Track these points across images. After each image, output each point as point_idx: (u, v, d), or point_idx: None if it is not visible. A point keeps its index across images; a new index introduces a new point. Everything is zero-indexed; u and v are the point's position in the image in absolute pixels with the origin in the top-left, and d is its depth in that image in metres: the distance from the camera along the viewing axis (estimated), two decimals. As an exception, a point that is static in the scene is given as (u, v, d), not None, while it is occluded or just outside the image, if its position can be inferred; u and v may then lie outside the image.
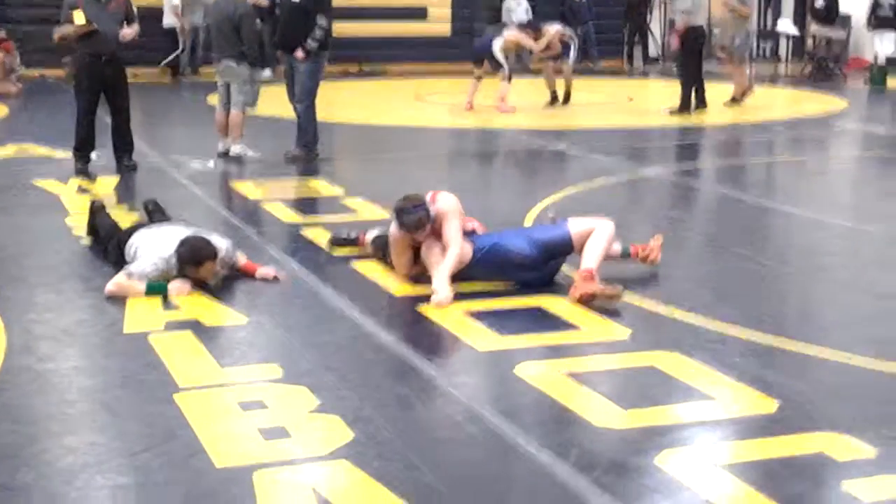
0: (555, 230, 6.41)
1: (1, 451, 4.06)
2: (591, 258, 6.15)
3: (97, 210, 7.31)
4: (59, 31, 10.35)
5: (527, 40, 15.36)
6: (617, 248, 6.59)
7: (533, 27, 15.82)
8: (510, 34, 15.32)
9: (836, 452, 4.07)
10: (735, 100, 15.93)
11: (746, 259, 7.17)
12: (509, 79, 15.10)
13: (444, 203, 6.30)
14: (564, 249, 6.33)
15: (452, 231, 6.22)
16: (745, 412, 4.50)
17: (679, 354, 5.13)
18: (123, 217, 7.77)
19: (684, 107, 15.05)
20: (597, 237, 6.24)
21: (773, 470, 3.96)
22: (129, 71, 10.78)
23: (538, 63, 16.07)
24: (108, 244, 6.80)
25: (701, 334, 5.49)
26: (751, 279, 6.73)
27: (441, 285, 5.99)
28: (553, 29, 15.59)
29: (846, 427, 4.29)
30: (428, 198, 6.31)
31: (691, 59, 15.11)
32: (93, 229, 7.16)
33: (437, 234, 6.27)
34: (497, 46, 14.89)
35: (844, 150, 13.30)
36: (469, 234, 6.41)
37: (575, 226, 6.34)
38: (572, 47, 15.70)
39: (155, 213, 7.30)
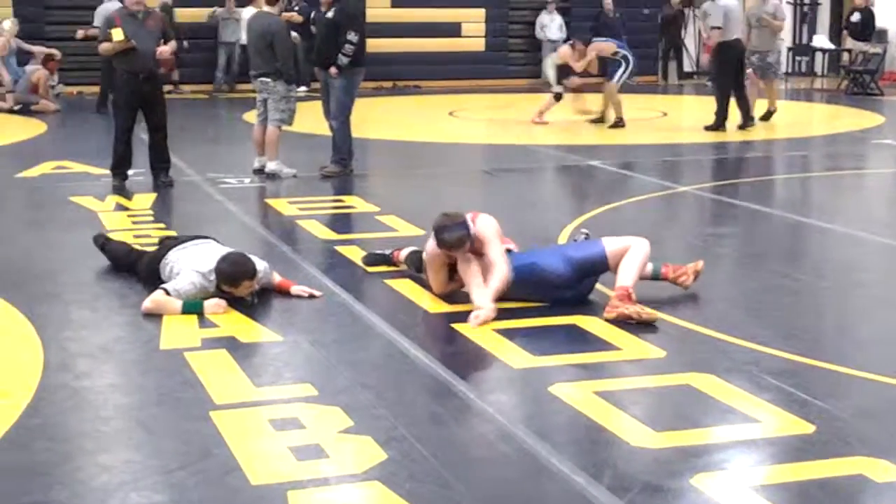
0: (590, 248, 6.39)
1: (35, 469, 4.09)
2: (627, 276, 6.13)
3: (103, 243, 7.30)
4: (101, 49, 10.50)
5: (571, 59, 15.32)
6: (648, 268, 6.54)
7: (585, 43, 15.62)
8: (560, 51, 15.34)
9: (873, 475, 4.03)
10: (771, 112, 15.77)
11: (782, 276, 7.12)
12: (557, 98, 15.20)
13: (485, 225, 6.30)
14: (600, 268, 6.32)
15: (496, 253, 6.21)
16: (781, 433, 4.46)
17: (714, 375, 5.10)
18: (161, 234, 7.83)
19: (719, 123, 14.91)
20: (632, 255, 6.22)
21: (809, 492, 3.93)
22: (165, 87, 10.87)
23: (578, 82, 15.84)
24: (137, 266, 6.84)
25: (736, 354, 5.46)
26: (787, 297, 6.69)
27: (485, 302, 5.99)
28: (594, 48, 15.46)
29: (884, 449, 4.25)
30: (468, 217, 6.31)
31: (726, 74, 14.91)
32: (112, 261, 7.14)
33: (474, 253, 6.26)
34: (548, 63, 14.94)
35: (881, 165, 13.19)
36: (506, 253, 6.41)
37: (610, 244, 6.32)
38: (622, 66, 15.32)
39: (107, 246, 7.25)
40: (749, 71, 15.28)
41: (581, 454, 4.24)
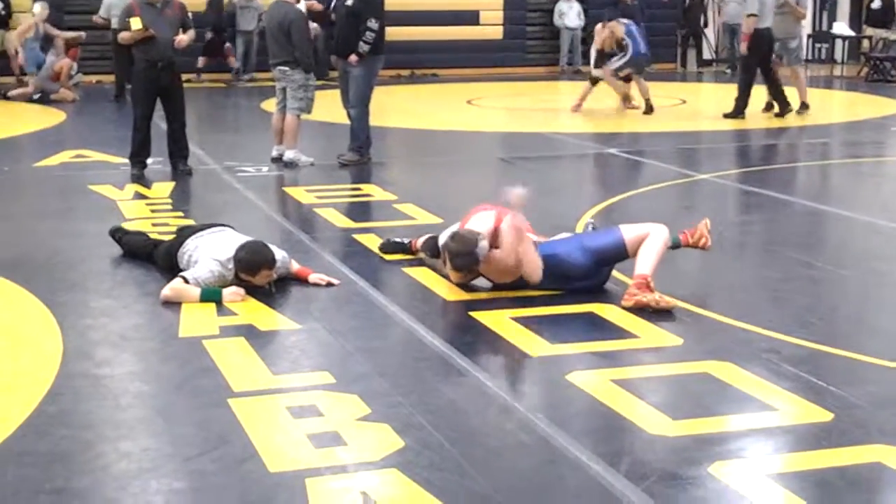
0: (608, 237, 6.37)
1: (56, 456, 4.11)
2: (645, 263, 6.11)
3: (120, 235, 7.30)
4: (121, 37, 10.54)
5: (599, 38, 15.27)
6: (637, 268, 6.39)
7: (606, 21, 15.45)
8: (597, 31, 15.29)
9: (892, 463, 4.02)
10: (805, 105, 15.48)
11: (801, 264, 7.10)
12: (594, 82, 15.24)
13: (510, 233, 6.18)
14: (618, 256, 6.30)
15: (528, 255, 6.17)
16: (799, 421, 4.46)
17: (732, 363, 5.09)
18: (179, 223, 7.86)
19: (738, 111, 14.85)
20: (651, 242, 6.20)
21: (826, 480, 3.93)
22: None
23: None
24: (154, 255, 6.87)
25: (754, 342, 5.45)
26: (805, 285, 6.67)
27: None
28: (610, 26, 15.24)
29: (903, 437, 4.24)
30: (492, 221, 6.27)
31: (754, 62, 14.73)
32: (129, 253, 7.15)
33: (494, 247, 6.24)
34: (592, 48, 14.94)
35: (901, 153, 13.15)
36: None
37: (628, 231, 6.30)
38: (619, 54, 15.18)
39: (124, 238, 7.26)
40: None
41: (598, 442, 4.24)
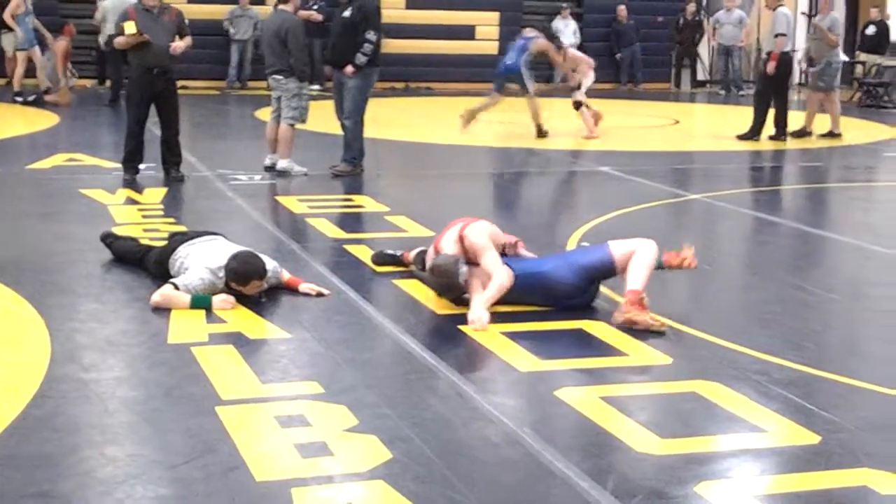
0: (596, 253, 6.37)
1: (42, 460, 4.09)
2: (637, 278, 6.11)
3: (111, 240, 7.29)
4: (116, 42, 10.55)
5: (555, 53, 15.04)
6: (628, 284, 6.46)
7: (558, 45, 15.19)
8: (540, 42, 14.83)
9: (878, 487, 4.02)
10: (831, 134, 15.34)
11: (792, 287, 7.11)
12: (577, 106, 14.91)
13: (476, 238, 6.28)
14: (607, 272, 6.31)
15: (491, 263, 6.21)
16: (786, 443, 4.46)
17: (720, 383, 5.09)
18: (170, 229, 7.84)
19: (754, 132, 14.80)
20: (640, 257, 6.20)
21: (813, 503, 3.92)
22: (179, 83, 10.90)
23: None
24: (145, 260, 6.85)
25: (743, 363, 5.45)
26: (795, 307, 6.68)
27: (479, 310, 5.98)
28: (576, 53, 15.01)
29: (889, 462, 4.24)
30: (457, 230, 6.30)
31: (772, 85, 14.65)
32: (119, 258, 7.12)
33: (473, 263, 6.27)
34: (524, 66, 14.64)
35: (893, 177, 13.18)
36: (509, 256, 6.42)
37: (617, 248, 6.30)
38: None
39: (114, 244, 7.24)
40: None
41: (586, 459, 4.24)
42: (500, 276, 6.14)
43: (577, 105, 14.70)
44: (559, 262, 6.38)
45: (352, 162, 11.13)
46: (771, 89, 14.69)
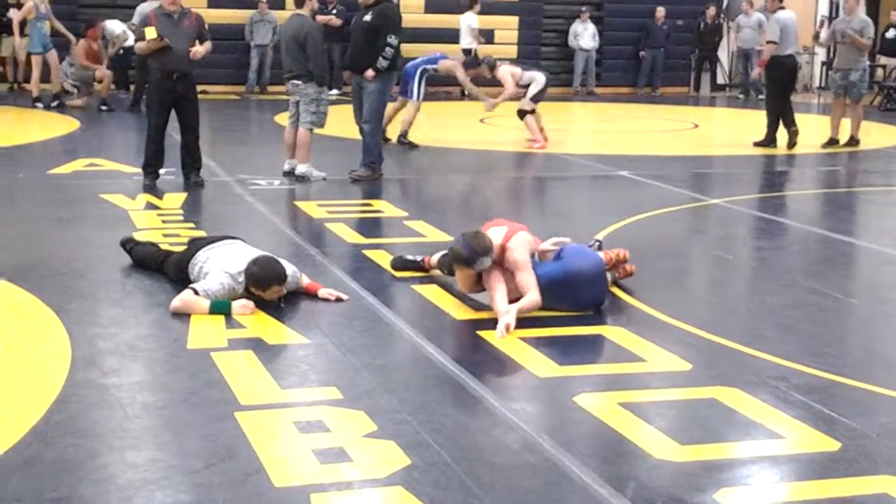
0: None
1: (62, 465, 4.11)
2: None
3: (131, 246, 7.29)
4: (137, 47, 10.61)
5: (464, 74, 14.61)
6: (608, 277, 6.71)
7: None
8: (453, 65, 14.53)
9: (899, 495, 4.01)
10: (851, 141, 15.00)
11: (811, 292, 7.09)
12: (522, 115, 14.39)
13: (518, 254, 6.29)
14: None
15: (527, 281, 6.22)
16: (806, 450, 4.44)
17: (740, 389, 5.08)
18: (190, 234, 7.87)
19: (769, 139, 14.71)
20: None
21: (833, 510, 3.92)
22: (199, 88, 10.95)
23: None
24: (165, 265, 6.88)
25: (763, 369, 5.43)
26: (816, 313, 6.65)
27: (507, 308, 6.01)
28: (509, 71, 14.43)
29: (910, 469, 4.22)
30: (502, 236, 6.31)
31: (774, 89, 14.61)
32: (139, 263, 7.14)
33: (499, 265, 6.27)
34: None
35: (914, 183, 13.13)
36: (536, 263, 6.44)
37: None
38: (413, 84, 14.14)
39: (134, 249, 7.24)
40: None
41: (604, 466, 4.23)
42: (534, 295, 6.18)
43: (522, 114, 14.44)
44: (579, 263, 6.40)
45: (371, 166, 11.15)
46: (776, 95, 14.62)
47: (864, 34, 14.58)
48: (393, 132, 14.02)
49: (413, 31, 20.81)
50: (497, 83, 14.64)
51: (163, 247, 7.34)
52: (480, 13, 21.75)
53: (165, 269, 6.86)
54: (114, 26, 18.45)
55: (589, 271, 6.35)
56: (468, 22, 21.09)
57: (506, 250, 6.29)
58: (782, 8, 14.64)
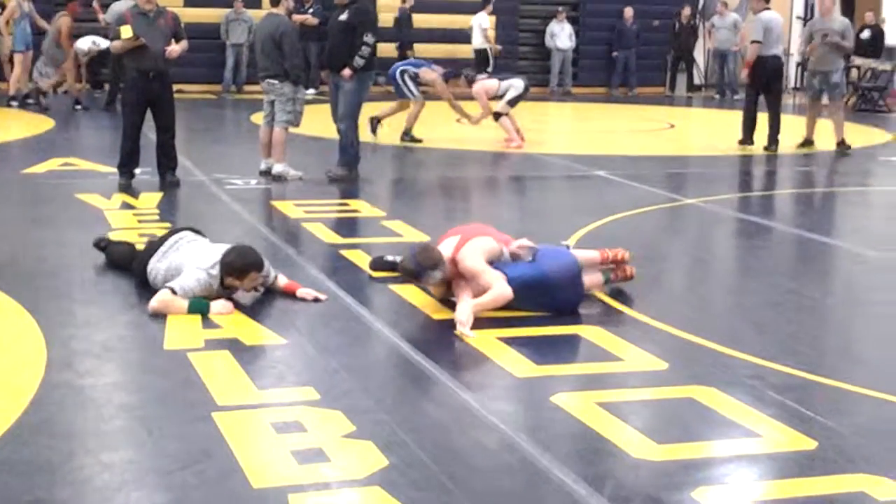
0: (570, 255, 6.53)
1: (38, 466, 4.09)
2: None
3: (104, 245, 7.24)
4: (112, 45, 10.56)
5: (442, 85, 14.47)
6: (599, 278, 6.69)
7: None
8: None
9: (874, 492, 4.02)
10: (841, 145, 14.66)
11: (787, 291, 7.12)
12: (497, 117, 14.42)
13: (469, 263, 6.23)
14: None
15: (486, 282, 6.19)
16: (782, 449, 4.46)
17: (716, 388, 5.09)
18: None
19: (746, 139, 14.72)
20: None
21: (810, 509, 3.93)
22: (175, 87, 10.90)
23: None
24: (132, 265, 6.79)
25: (739, 368, 5.45)
26: (791, 312, 6.68)
27: (467, 311, 5.98)
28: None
29: (885, 467, 4.24)
30: (452, 248, 6.29)
31: (753, 90, 14.51)
32: (112, 263, 7.07)
33: (458, 276, 6.30)
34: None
35: (888, 182, 13.20)
36: (513, 262, 6.41)
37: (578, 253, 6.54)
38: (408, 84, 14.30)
39: (108, 248, 7.20)
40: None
41: (582, 465, 4.24)
42: (498, 288, 6.15)
43: (497, 116, 14.48)
44: (553, 265, 6.38)
45: (348, 166, 11.13)
46: (755, 96, 14.56)
47: (845, 36, 14.47)
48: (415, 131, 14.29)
49: (392, 30, 20.83)
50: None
51: (138, 247, 7.28)
52: (456, 13, 21.81)
53: (133, 269, 6.77)
54: (82, 44, 18.26)
55: (563, 274, 6.33)
56: (480, 22, 21.18)
57: (457, 262, 6.28)
58: (767, 8, 14.50)
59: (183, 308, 6.06)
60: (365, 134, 12.41)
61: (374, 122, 14.44)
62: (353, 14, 10.86)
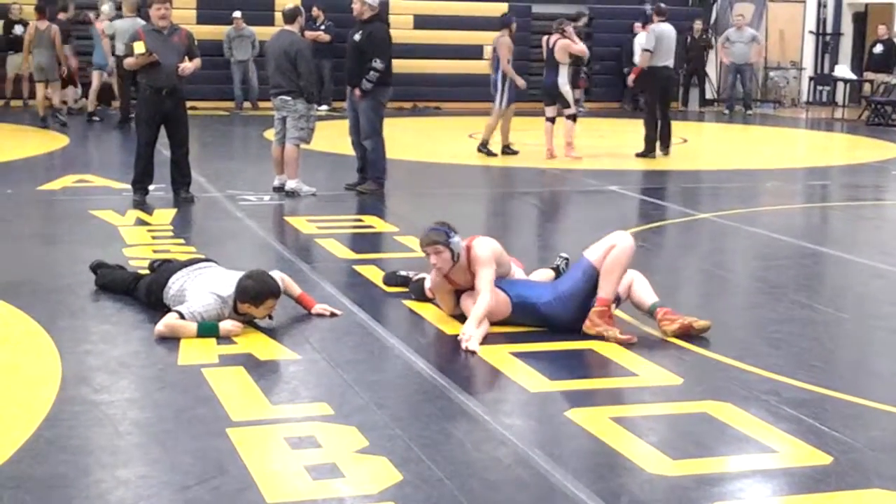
0: (577, 271, 6.32)
1: (54, 482, 4.10)
2: (607, 285, 6.12)
3: (96, 266, 7.15)
4: (126, 63, 10.64)
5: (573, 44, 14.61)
6: (647, 299, 6.35)
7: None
8: (561, 44, 14.55)
9: (890, 508, 4.01)
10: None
11: (801, 306, 7.10)
12: (574, 119, 14.74)
13: (480, 251, 6.27)
14: (596, 281, 6.20)
15: (484, 281, 6.20)
16: (797, 464, 4.44)
17: (731, 403, 5.08)
18: (180, 250, 7.85)
19: (648, 150, 15.09)
20: (614, 256, 6.13)
21: (826, 524, 3.92)
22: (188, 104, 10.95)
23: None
24: (136, 291, 6.70)
25: (754, 383, 5.44)
26: (805, 327, 6.67)
27: (471, 327, 6.00)
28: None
29: (901, 482, 4.23)
30: (464, 242, 6.32)
31: (649, 99, 15.24)
32: (104, 286, 6.99)
33: (473, 276, 6.28)
34: (563, 82, 14.63)
35: (902, 197, 13.18)
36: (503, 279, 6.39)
37: (593, 253, 6.26)
38: (501, 90, 14.79)
39: (99, 272, 7.10)
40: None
41: (597, 480, 4.23)
42: (486, 295, 6.14)
43: (573, 118, 14.71)
44: (548, 297, 6.28)
45: (377, 180, 11.20)
46: (653, 105, 15.17)
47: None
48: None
49: (402, 47, 20.86)
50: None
51: (139, 272, 7.11)
52: (468, 29, 21.82)
53: (137, 294, 6.71)
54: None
55: (562, 318, 6.21)
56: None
57: (471, 249, 6.29)
58: (663, 21, 15.11)
59: (192, 332, 5.96)
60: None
61: (502, 148, 14.69)
62: (364, 37, 10.90)
